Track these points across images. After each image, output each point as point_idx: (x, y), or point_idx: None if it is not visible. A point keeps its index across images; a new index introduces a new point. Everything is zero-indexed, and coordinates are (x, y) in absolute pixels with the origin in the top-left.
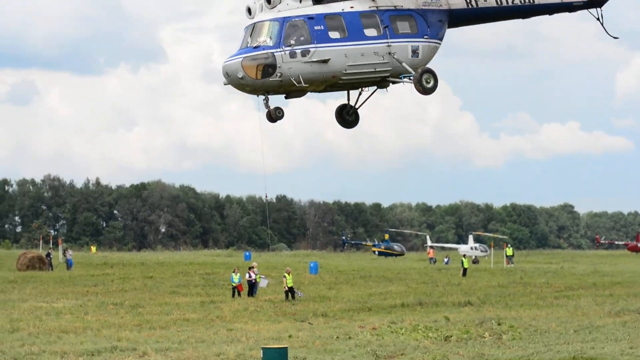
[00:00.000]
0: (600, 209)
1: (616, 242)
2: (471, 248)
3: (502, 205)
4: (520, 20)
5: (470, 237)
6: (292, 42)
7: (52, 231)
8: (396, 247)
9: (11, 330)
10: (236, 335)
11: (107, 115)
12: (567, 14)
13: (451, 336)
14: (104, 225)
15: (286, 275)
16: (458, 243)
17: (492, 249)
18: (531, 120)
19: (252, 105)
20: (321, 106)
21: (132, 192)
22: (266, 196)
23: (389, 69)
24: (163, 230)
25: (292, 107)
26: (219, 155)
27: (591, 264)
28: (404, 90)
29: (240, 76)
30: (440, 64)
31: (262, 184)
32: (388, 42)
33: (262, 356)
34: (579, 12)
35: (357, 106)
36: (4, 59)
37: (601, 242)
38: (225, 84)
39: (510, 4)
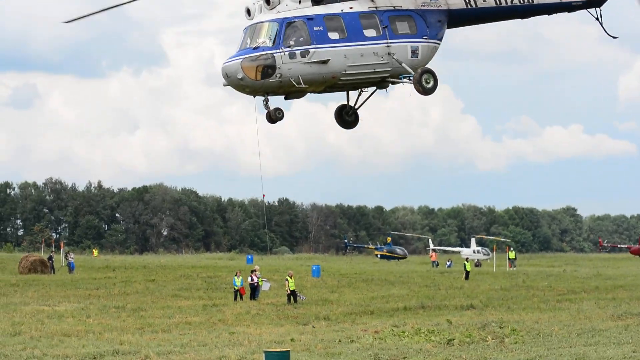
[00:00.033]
0: (603, 212)
1: (619, 246)
2: (474, 251)
3: (505, 209)
4: (523, 23)
5: (473, 241)
6: (292, 43)
7: (54, 234)
8: (398, 250)
9: (13, 334)
10: (238, 339)
11: (109, 119)
12: (567, 14)
13: (453, 339)
14: (106, 228)
15: (288, 278)
16: (460, 246)
17: (494, 252)
18: (534, 123)
19: (254, 109)
20: (323, 109)
21: (134, 196)
22: (263, 196)
23: (389, 69)
24: (165, 233)
25: (295, 110)
26: (221, 158)
27: (594, 267)
28: (406, 93)
29: (239, 77)
30: (443, 66)
31: (264, 187)
32: (387, 43)
33: None
34: (580, 14)
35: (356, 107)
36: (6, 63)
37: (604, 245)
38: (224, 85)
39: (509, 4)
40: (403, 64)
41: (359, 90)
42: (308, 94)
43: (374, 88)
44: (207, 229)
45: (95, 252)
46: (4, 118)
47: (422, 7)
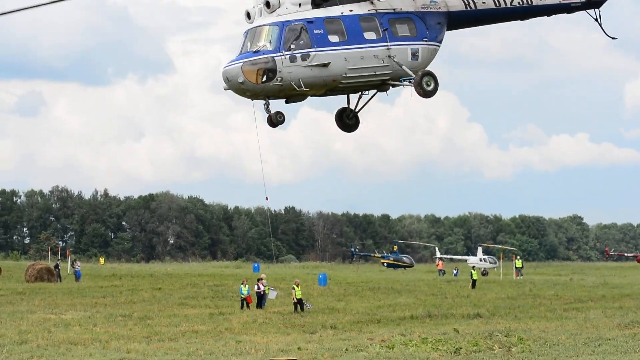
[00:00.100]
0: (610, 220)
1: (625, 254)
2: (480, 260)
3: (511, 217)
4: (529, 30)
5: (479, 249)
6: (292, 46)
7: (60, 242)
8: (405, 258)
9: (20, 342)
10: (245, 347)
11: (115, 126)
12: (567, 16)
13: (460, 348)
14: (113, 236)
15: (295, 287)
16: (467, 255)
17: (501, 260)
18: (540, 131)
19: (260, 116)
20: (329, 117)
21: (141, 204)
22: (267, 200)
23: (389, 72)
24: (171, 241)
25: (301, 118)
26: (227, 166)
27: (600, 276)
28: (412, 101)
29: (240, 81)
30: (449, 74)
31: (271, 195)
32: (387, 45)
33: None
34: (584, 19)
35: (357, 110)
36: (12, 70)
37: (610, 254)
38: (225, 89)
39: (508, 5)
40: (403, 67)
41: (360, 93)
42: (309, 98)
43: (375, 91)
44: (213, 237)
45: (102, 260)
46: (10, 126)
47: (422, 10)
